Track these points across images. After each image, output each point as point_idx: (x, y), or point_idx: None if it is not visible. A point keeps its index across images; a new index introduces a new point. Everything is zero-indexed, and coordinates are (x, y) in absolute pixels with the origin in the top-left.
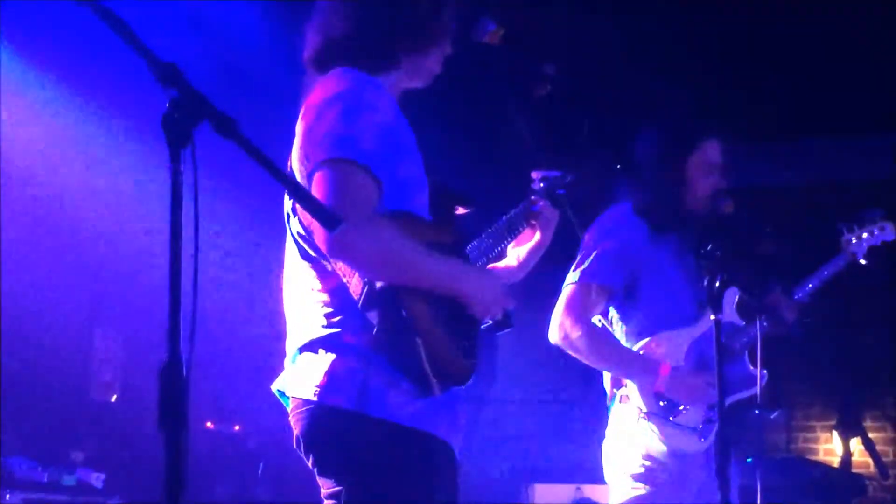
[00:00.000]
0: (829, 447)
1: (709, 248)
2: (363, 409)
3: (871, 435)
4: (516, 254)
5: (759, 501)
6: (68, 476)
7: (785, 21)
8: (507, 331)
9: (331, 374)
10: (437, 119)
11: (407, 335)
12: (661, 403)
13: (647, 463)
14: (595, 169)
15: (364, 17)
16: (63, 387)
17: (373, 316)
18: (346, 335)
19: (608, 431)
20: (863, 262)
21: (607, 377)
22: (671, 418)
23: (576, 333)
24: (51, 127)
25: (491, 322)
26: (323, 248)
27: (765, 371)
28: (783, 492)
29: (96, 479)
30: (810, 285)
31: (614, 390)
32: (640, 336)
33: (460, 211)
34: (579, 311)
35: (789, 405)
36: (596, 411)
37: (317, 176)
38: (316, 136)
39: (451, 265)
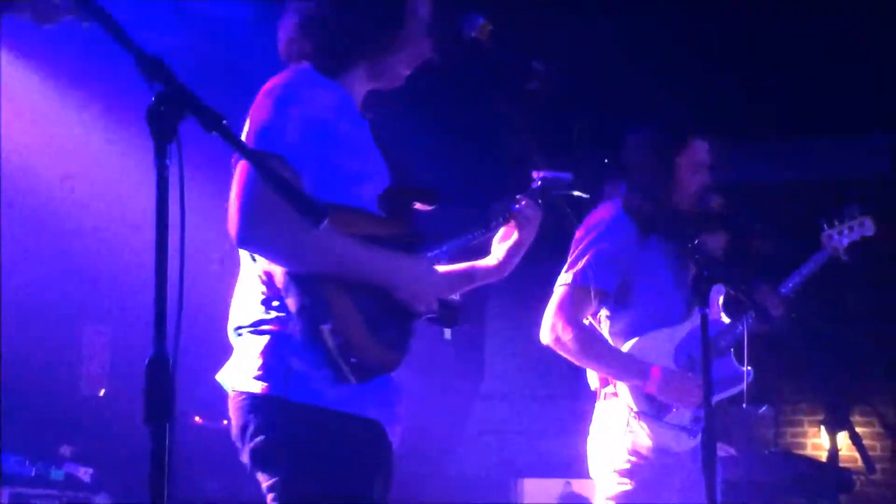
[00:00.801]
0: (817, 441)
1: (695, 242)
2: (287, 395)
3: (859, 429)
4: (497, 252)
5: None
6: (56, 471)
7: (780, 20)
8: (453, 328)
9: (257, 362)
10: (427, 116)
11: (318, 321)
12: (654, 404)
13: (633, 458)
14: (594, 171)
15: (321, 18)
16: (51, 382)
17: (291, 302)
18: (274, 321)
19: (593, 427)
20: (844, 257)
21: (593, 374)
22: (662, 418)
23: (567, 335)
24: (37, 124)
25: (433, 316)
26: (232, 235)
27: (750, 368)
28: (770, 486)
29: (84, 473)
30: (792, 282)
31: (600, 388)
32: (628, 335)
33: (419, 206)
34: (571, 312)
35: (777, 400)
36: (584, 406)
37: (238, 165)
38: (247, 129)
39: (375, 254)
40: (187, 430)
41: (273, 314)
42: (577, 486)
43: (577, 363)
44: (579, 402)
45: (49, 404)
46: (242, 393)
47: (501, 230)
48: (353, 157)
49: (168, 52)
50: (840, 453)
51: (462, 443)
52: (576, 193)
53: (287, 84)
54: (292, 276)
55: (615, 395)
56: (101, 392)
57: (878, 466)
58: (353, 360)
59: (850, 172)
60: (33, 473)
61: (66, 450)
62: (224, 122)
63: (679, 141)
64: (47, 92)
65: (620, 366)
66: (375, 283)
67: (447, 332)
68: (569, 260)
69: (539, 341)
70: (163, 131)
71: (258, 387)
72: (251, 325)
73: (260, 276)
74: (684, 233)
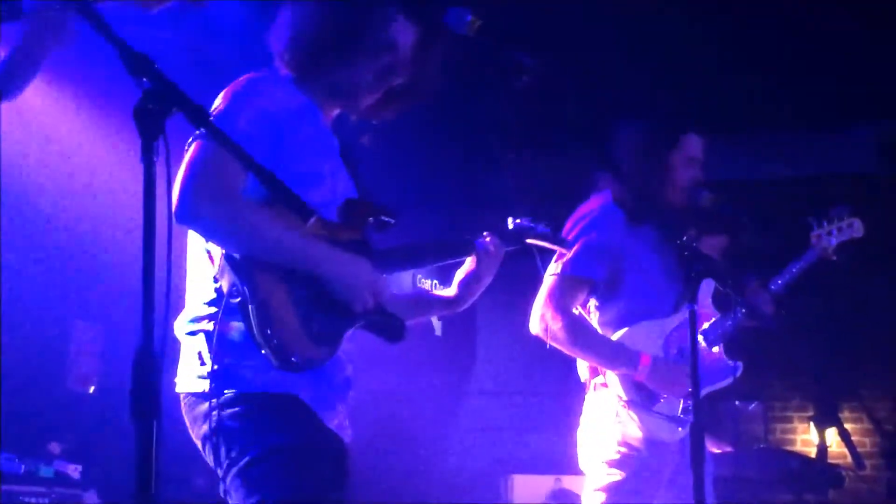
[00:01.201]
0: (807, 438)
1: (685, 238)
2: (222, 388)
3: (848, 426)
4: (455, 283)
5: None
6: (45, 468)
7: (765, 15)
8: (393, 342)
9: (194, 363)
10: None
11: (246, 300)
12: (643, 393)
13: (623, 449)
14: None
15: (289, 33)
16: (41, 379)
17: (223, 284)
18: (207, 317)
19: (583, 419)
20: (833, 258)
21: (582, 365)
22: (651, 407)
23: (556, 325)
24: (26, 121)
25: (372, 324)
26: (173, 209)
27: (740, 362)
28: (759, 482)
29: (74, 470)
30: (782, 280)
31: (590, 379)
32: (617, 326)
33: (373, 220)
34: (560, 302)
35: (767, 396)
36: (574, 402)
37: (188, 148)
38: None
39: (313, 246)
40: (175, 427)
41: (208, 309)
42: (568, 482)
43: (566, 352)
44: (570, 399)
45: (39, 401)
46: (187, 394)
47: (468, 262)
48: (304, 160)
49: (160, 47)
50: (830, 449)
51: (452, 439)
52: (549, 245)
53: (251, 79)
54: (228, 259)
55: (605, 385)
56: (91, 389)
57: (867, 462)
58: (276, 344)
59: (835, 167)
60: (22, 471)
61: (55, 447)
62: (211, 118)
63: (671, 136)
64: (36, 89)
65: (610, 354)
66: (310, 271)
67: (437, 329)
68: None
69: (529, 338)
70: (150, 128)
71: (199, 386)
72: (190, 322)
73: (201, 271)
74: (675, 227)
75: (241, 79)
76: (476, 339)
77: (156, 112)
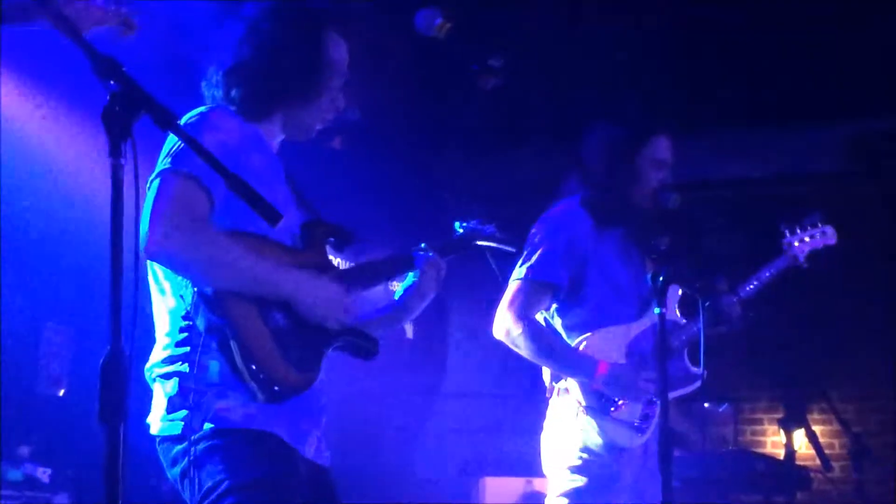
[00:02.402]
0: (777, 440)
1: (653, 242)
2: (196, 428)
3: (817, 428)
4: (397, 295)
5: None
6: (14, 471)
7: (737, 13)
8: (368, 360)
9: (170, 406)
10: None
11: (227, 337)
12: (601, 400)
13: (585, 455)
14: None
15: (247, 68)
16: (10, 381)
17: (200, 322)
18: (181, 357)
19: (546, 424)
20: (805, 265)
21: (546, 370)
22: (610, 412)
23: (517, 330)
24: None
25: (348, 344)
26: (141, 246)
27: (704, 369)
28: (728, 484)
29: (43, 473)
30: (752, 286)
31: (553, 383)
32: (581, 330)
33: (333, 241)
34: (522, 307)
35: (736, 398)
36: (545, 404)
37: (152, 185)
38: (162, 155)
39: (282, 272)
40: (144, 432)
41: (181, 349)
42: (539, 484)
43: (526, 357)
44: (541, 402)
45: (8, 403)
46: (165, 438)
47: (410, 275)
48: (262, 188)
49: (129, 48)
50: (798, 451)
51: (424, 441)
52: (498, 246)
53: (204, 115)
54: (202, 296)
55: (567, 390)
56: (61, 392)
57: (835, 464)
58: (261, 376)
59: (805, 166)
60: None
61: (24, 450)
62: (179, 121)
63: (639, 137)
64: (4, 88)
65: (567, 360)
66: (283, 298)
67: (409, 331)
68: (522, 256)
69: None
70: (117, 130)
71: (175, 429)
72: (161, 364)
73: (169, 309)
74: (642, 231)
75: (193, 115)
76: (448, 341)
77: (123, 115)
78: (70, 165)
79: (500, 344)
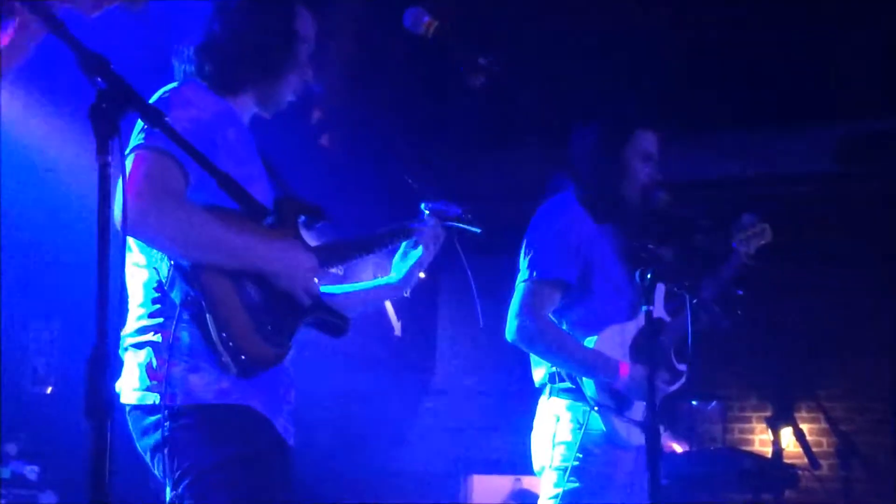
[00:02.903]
0: (765, 438)
1: (642, 240)
2: (173, 401)
3: (805, 426)
4: (398, 269)
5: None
6: (2, 468)
7: (725, 13)
8: (339, 337)
9: (142, 375)
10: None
11: (203, 310)
12: (617, 399)
13: (580, 455)
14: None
15: (219, 45)
16: None
17: (176, 294)
18: (154, 328)
19: (539, 424)
20: (752, 263)
21: (539, 370)
22: (623, 412)
23: (536, 333)
24: None
25: (320, 321)
26: (117, 221)
27: (690, 366)
28: (716, 482)
29: (30, 471)
30: (713, 286)
31: (549, 384)
32: (585, 328)
33: (305, 219)
34: (537, 308)
35: (725, 396)
36: (534, 402)
37: (127, 160)
38: (135, 131)
39: (254, 241)
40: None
41: (154, 321)
42: (528, 482)
43: (544, 359)
44: (529, 399)
45: None
46: (136, 407)
47: (402, 247)
48: (238, 163)
49: (116, 45)
50: (786, 449)
51: (412, 439)
52: (462, 226)
53: (177, 90)
54: (178, 269)
55: (568, 390)
56: (49, 390)
57: (823, 462)
58: (234, 349)
59: (793, 167)
60: None
61: (11, 448)
62: (166, 118)
63: (626, 132)
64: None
65: (591, 362)
66: (258, 270)
67: (397, 329)
68: (528, 256)
69: (489, 338)
70: (104, 127)
71: (147, 398)
72: (134, 335)
73: (143, 281)
74: (632, 228)
75: (166, 90)
76: (436, 339)
77: (110, 112)
78: (56, 162)
79: (487, 342)
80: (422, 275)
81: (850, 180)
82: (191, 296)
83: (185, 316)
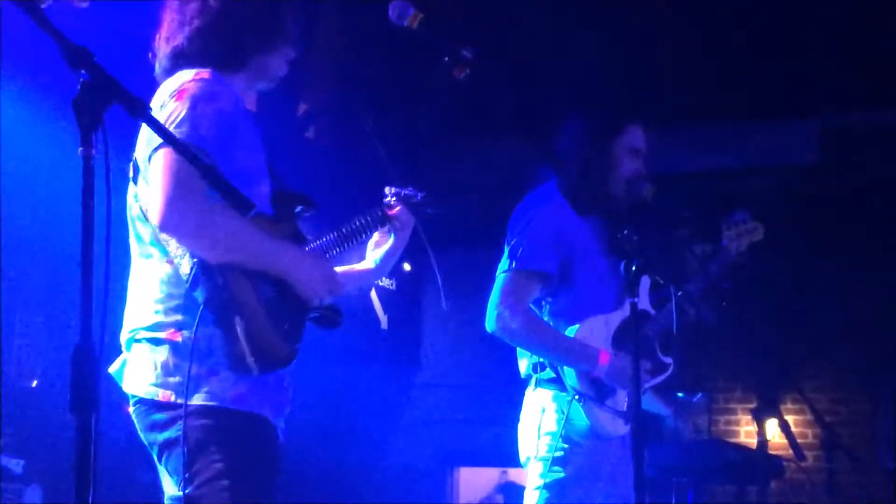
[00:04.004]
0: (751, 429)
1: (625, 232)
2: (188, 399)
3: (790, 417)
4: (373, 256)
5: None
6: None
7: (705, 4)
8: (334, 329)
9: (157, 370)
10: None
11: (227, 312)
12: (598, 389)
13: (565, 446)
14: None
15: (207, 26)
16: None
17: (199, 294)
18: (173, 325)
19: (524, 415)
20: (744, 260)
21: (524, 361)
22: (604, 402)
23: (515, 323)
24: None
25: (317, 314)
26: (156, 222)
27: (671, 359)
28: (701, 473)
29: (16, 465)
30: (700, 281)
31: (533, 374)
32: (568, 318)
33: (300, 210)
34: (516, 299)
35: (710, 388)
36: (520, 394)
37: (154, 157)
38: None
39: (278, 246)
40: (118, 420)
41: (172, 317)
42: (514, 474)
43: (524, 349)
44: (515, 391)
45: None
46: (146, 400)
47: (375, 235)
48: (250, 155)
49: (102, 36)
50: (771, 441)
51: (398, 432)
52: (428, 210)
53: (203, 81)
54: (202, 268)
55: (551, 380)
56: (34, 383)
57: (808, 454)
58: (258, 349)
59: (777, 159)
60: None
61: None
62: (150, 109)
63: (613, 126)
64: None
65: (570, 351)
66: (274, 271)
67: (383, 322)
68: (508, 246)
69: (474, 330)
70: (88, 119)
71: (161, 394)
72: (149, 329)
73: (159, 275)
74: (617, 220)
75: (189, 81)
76: (421, 332)
77: (94, 104)
78: (39, 155)
79: (473, 335)
80: (407, 267)
81: (828, 173)
82: (216, 295)
83: (209, 315)
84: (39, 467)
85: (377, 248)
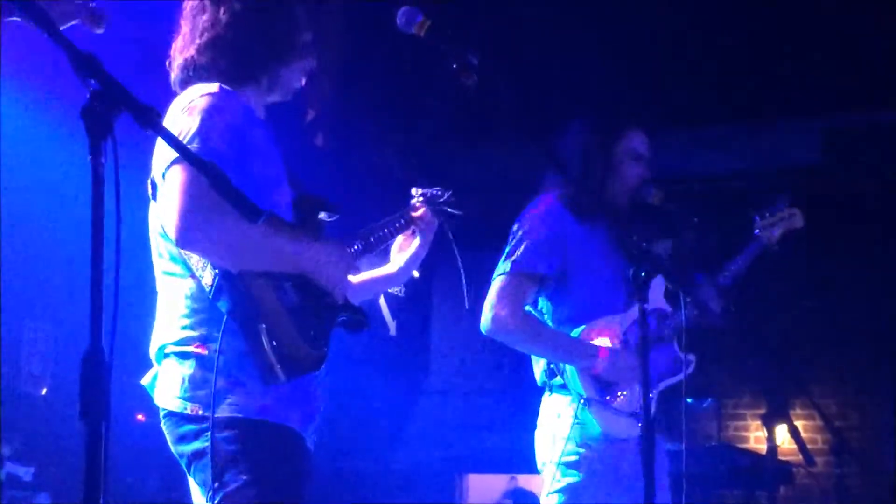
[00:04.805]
0: (760, 435)
1: (634, 238)
2: (216, 412)
3: (799, 423)
4: (398, 260)
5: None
6: None
7: (705, 7)
8: (361, 332)
9: (186, 384)
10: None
11: (252, 320)
12: (602, 389)
13: (581, 450)
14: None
15: (217, 38)
16: None
17: (223, 304)
18: (199, 339)
19: (541, 420)
20: (776, 248)
21: (539, 368)
22: (611, 404)
23: (511, 323)
24: None
25: (345, 317)
26: (174, 237)
27: (692, 356)
28: (711, 479)
29: (25, 473)
30: (729, 274)
31: (548, 380)
32: (572, 323)
33: (323, 216)
34: (512, 300)
35: (720, 394)
36: (529, 401)
37: (168, 173)
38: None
39: (298, 245)
40: (129, 428)
41: (198, 331)
42: (523, 481)
43: (522, 350)
44: (524, 398)
45: None
46: (175, 413)
47: (399, 238)
48: (266, 163)
49: (107, 42)
50: (781, 446)
51: (407, 438)
52: (450, 210)
53: (208, 96)
54: (224, 278)
55: (563, 386)
56: (44, 391)
57: (817, 459)
58: (285, 356)
59: (779, 160)
60: None
61: (6, 449)
62: (160, 119)
63: (616, 131)
64: None
65: (568, 347)
66: (294, 269)
67: (392, 328)
68: (505, 250)
69: (484, 336)
70: (97, 128)
71: (189, 407)
72: (177, 344)
73: (183, 291)
74: (622, 226)
75: (198, 95)
76: (430, 338)
77: (103, 113)
78: (47, 162)
79: (482, 341)
80: (416, 273)
81: (832, 174)
82: (239, 305)
83: (233, 326)
84: (49, 475)
85: (401, 252)
